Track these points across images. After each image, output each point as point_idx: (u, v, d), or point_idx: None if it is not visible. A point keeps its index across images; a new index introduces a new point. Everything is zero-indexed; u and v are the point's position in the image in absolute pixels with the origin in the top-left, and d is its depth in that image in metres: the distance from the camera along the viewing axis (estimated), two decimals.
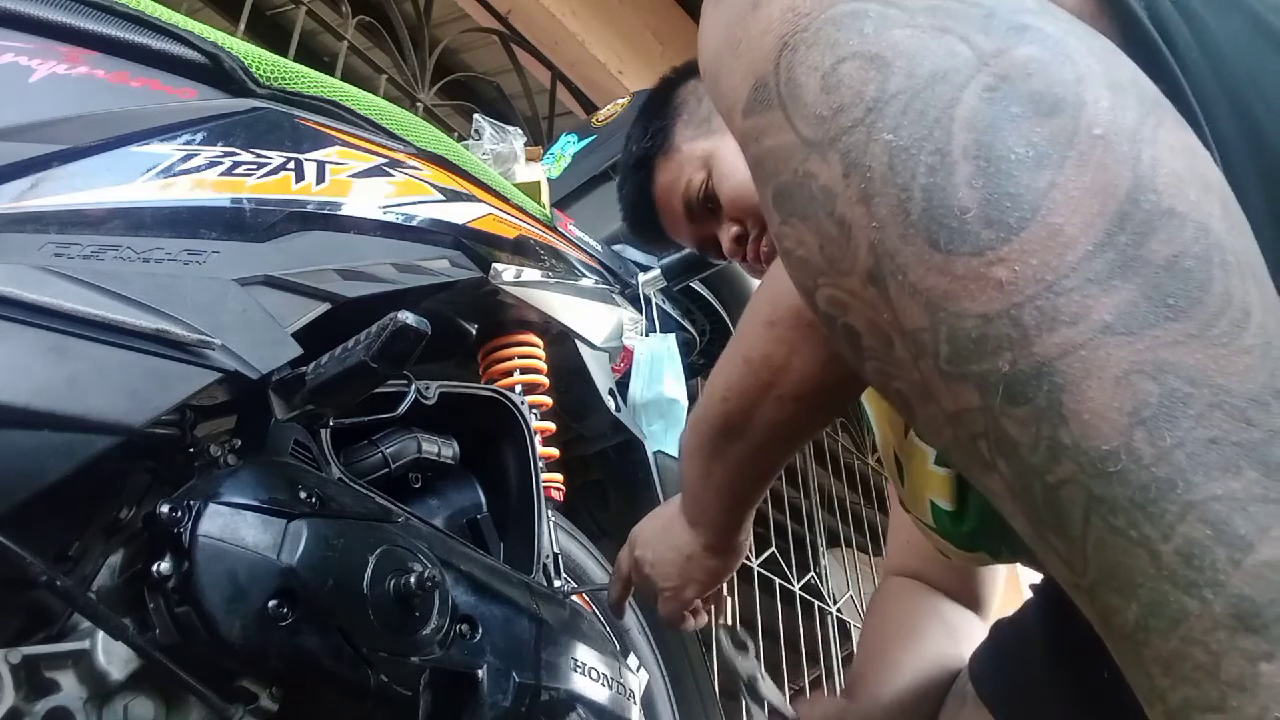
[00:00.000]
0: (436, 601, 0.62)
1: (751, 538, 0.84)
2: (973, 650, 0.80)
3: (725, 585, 0.93)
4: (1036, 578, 0.75)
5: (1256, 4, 0.42)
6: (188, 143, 0.67)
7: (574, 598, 0.85)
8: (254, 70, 0.76)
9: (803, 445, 0.78)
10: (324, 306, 0.68)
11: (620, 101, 1.64)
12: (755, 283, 1.44)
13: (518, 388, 0.98)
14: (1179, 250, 0.29)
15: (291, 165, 0.73)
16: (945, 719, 0.83)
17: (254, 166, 0.70)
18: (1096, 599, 0.30)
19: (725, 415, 0.68)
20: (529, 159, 1.35)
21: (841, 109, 0.33)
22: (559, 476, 1.03)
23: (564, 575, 0.91)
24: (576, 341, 1.08)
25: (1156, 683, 0.28)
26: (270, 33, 2.46)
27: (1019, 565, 0.73)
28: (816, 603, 3.08)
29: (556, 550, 0.91)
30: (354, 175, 0.78)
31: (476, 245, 0.88)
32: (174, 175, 0.64)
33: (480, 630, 0.65)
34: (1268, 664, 0.26)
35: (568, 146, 1.64)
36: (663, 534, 0.84)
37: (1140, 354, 0.28)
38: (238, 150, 0.69)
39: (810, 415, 0.66)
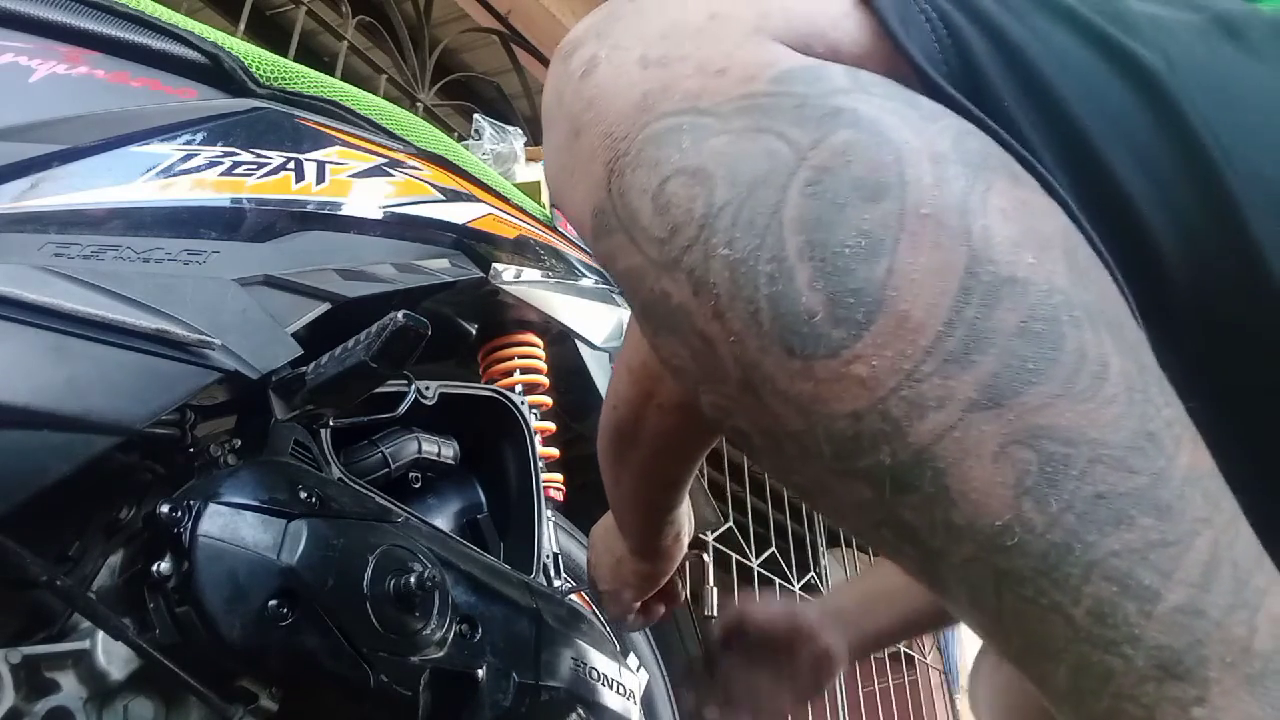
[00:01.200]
0: (436, 601, 0.62)
1: (685, 544, 0.84)
2: None
3: (710, 578, 0.94)
4: None
5: (1078, 7, 0.38)
6: (188, 143, 0.67)
7: (574, 598, 0.85)
8: (254, 70, 0.76)
9: (701, 455, 0.75)
10: (324, 306, 0.68)
11: None
12: None
13: (518, 388, 0.98)
14: (1026, 315, 0.29)
15: (291, 165, 0.73)
16: (983, 669, 0.82)
17: (254, 166, 0.70)
18: (1027, 666, 0.30)
19: (617, 424, 0.68)
20: (529, 159, 1.35)
21: (676, 229, 0.33)
22: (559, 476, 1.03)
23: (564, 575, 0.91)
24: (576, 341, 1.08)
25: None
26: (270, 33, 2.46)
27: None
28: None
29: (556, 550, 0.91)
30: (354, 175, 0.78)
31: (476, 245, 0.88)
32: (174, 175, 0.64)
33: (480, 630, 0.65)
34: (1200, 708, 0.26)
35: None
36: (604, 537, 0.84)
37: (1011, 424, 0.28)
38: (238, 150, 0.69)
39: (694, 425, 0.65)
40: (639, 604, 0.85)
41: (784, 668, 0.85)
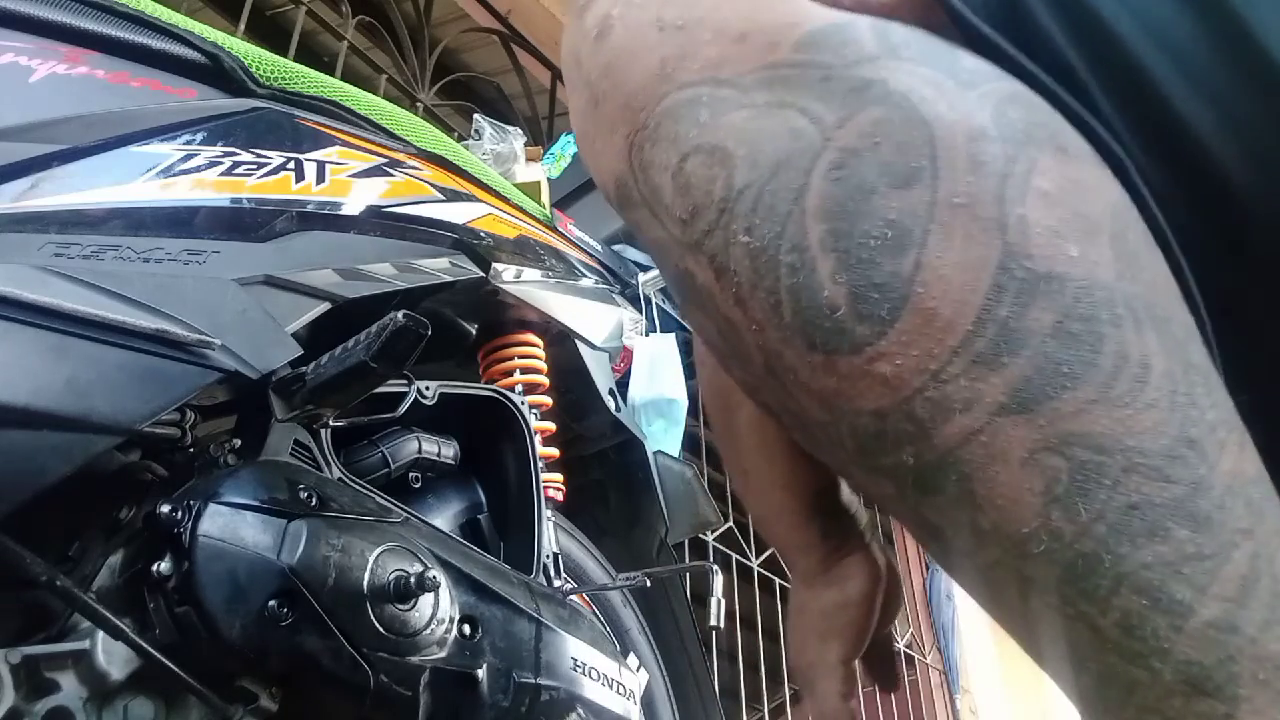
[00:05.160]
0: (436, 601, 0.62)
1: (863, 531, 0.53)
2: None
3: (717, 589, 0.79)
4: None
5: None
6: (188, 143, 0.67)
7: (574, 598, 0.85)
8: (254, 70, 0.76)
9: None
10: (324, 306, 0.68)
11: None
12: None
13: (518, 388, 0.98)
14: (1062, 314, 0.27)
15: (291, 165, 0.73)
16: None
17: (254, 166, 0.70)
18: (1052, 668, 0.30)
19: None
20: (529, 159, 1.36)
21: (696, 212, 0.31)
22: (559, 476, 1.03)
23: (564, 575, 0.91)
24: (576, 341, 1.08)
25: None
26: (270, 33, 2.46)
27: None
28: None
29: (556, 550, 0.91)
30: (354, 175, 0.78)
31: (476, 245, 0.88)
32: (174, 175, 0.64)
33: (480, 630, 0.65)
34: None
35: (568, 146, 1.64)
36: (791, 608, 0.58)
37: (1042, 430, 0.27)
38: (238, 150, 0.69)
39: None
40: (852, 663, 0.52)
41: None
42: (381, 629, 0.57)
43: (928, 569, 3.77)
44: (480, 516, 0.91)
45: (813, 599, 0.53)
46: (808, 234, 0.29)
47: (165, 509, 0.53)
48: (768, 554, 2.85)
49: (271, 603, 0.53)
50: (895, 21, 0.32)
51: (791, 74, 0.30)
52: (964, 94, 0.29)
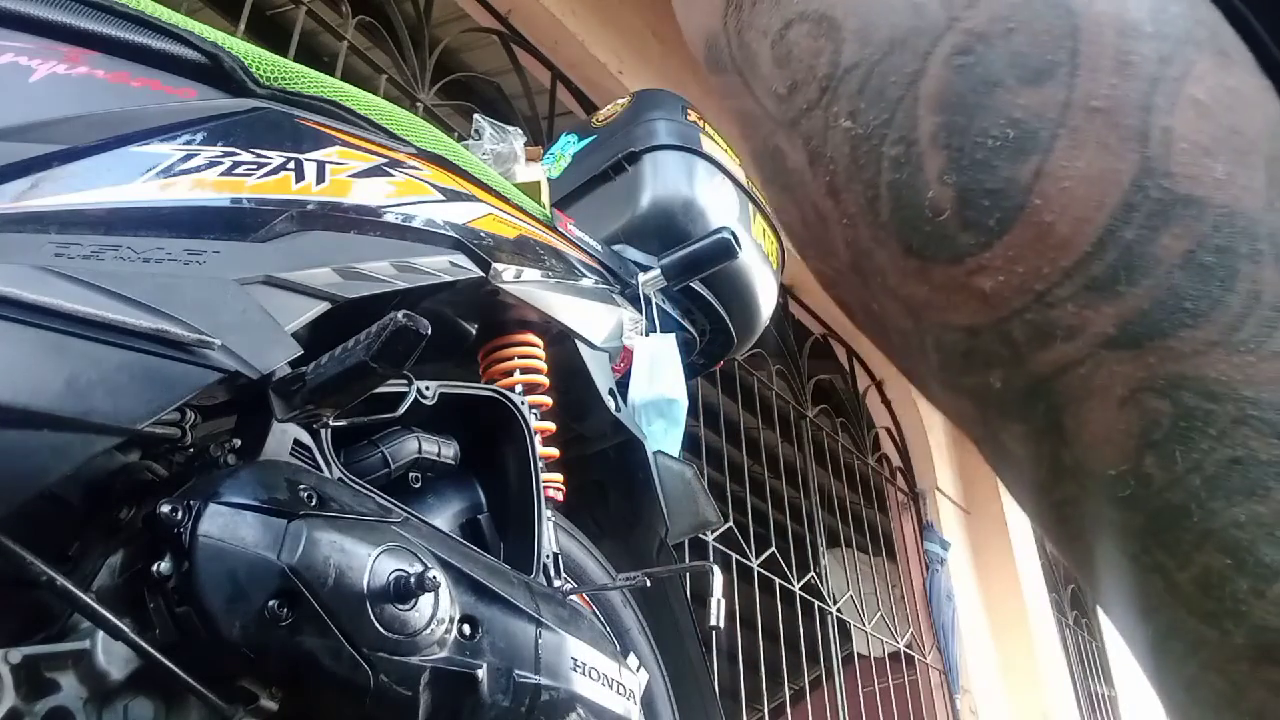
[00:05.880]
0: (436, 601, 0.62)
1: None
2: None
3: (717, 589, 0.80)
4: None
5: None
6: (188, 143, 0.67)
7: (574, 598, 0.85)
8: (254, 70, 0.76)
9: None
10: (324, 306, 0.68)
11: (620, 101, 1.64)
12: (756, 284, 1.44)
13: (518, 388, 0.98)
14: (1195, 244, 0.24)
15: (291, 165, 0.73)
16: None
17: (254, 166, 0.70)
18: (1111, 611, 0.28)
19: None
20: (529, 159, 1.35)
21: (795, 87, 0.29)
22: (559, 476, 1.03)
23: (564, 575, 0.91)
24: (576, 341, 1.08)
25: (1175, 697, 0.27)
26: (270, 33, 2.46)
27: None
28: (816, 603, 3.09)
29: (556, 550, 0.91)
30: (354, 175, 0.78)
31: (476, 245, 0.88)
32: (174, 175, 0.64)
33: (480, 630, 0.65)
34: None
35: (568, 146, 1.63)
36: None
37: (1150, 369, 0.24)
38: (238, 150, 0.69)
39: None
40: None
41: None
42: (381, 629, 0.57)
43: (927, 569, 3.77)
44: (480, 516, 0.91)
45: None
46: (918, 125, 0.26)
47: (165, 509, 0.53)
48: (768, 554, 2.86)
49: (271, 603, 0.53)
50: None
51: None
52: None
